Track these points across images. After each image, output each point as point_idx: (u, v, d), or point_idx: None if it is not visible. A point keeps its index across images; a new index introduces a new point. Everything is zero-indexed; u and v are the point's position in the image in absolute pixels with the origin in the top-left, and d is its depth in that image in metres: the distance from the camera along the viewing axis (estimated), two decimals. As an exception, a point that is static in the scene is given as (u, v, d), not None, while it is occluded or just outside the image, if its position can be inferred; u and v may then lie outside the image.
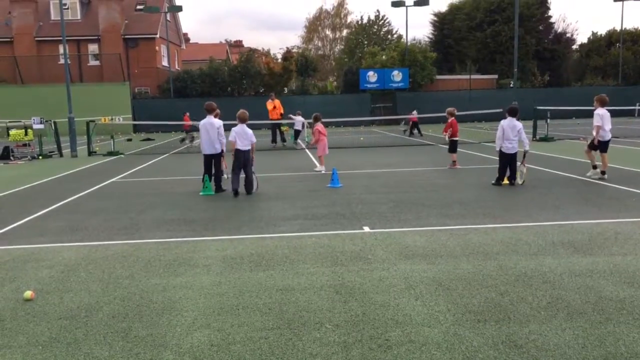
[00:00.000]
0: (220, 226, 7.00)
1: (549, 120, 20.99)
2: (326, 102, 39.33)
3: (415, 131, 24.88)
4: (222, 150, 9.81)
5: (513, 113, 9.79)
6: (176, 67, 48.14)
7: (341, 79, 49.19)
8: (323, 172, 12.46)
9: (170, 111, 36.44)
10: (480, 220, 6.92)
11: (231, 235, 6.50)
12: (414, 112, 25.46)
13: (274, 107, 20.12)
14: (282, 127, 20.18)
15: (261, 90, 44.32)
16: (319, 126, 12.48)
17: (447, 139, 12.69)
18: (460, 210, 7.62)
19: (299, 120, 21.50)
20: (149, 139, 27.85)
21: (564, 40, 49.85)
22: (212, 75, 41.71)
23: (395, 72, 41.46)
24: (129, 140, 27.04)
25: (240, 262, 5.37)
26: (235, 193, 9.33)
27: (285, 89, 43.93)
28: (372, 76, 41.38)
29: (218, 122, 9.71)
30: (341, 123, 35.75)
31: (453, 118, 12.71)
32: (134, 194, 10.06)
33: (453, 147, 12.71)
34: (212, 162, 9.85)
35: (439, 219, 7.04)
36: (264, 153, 18.54)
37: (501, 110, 19.67)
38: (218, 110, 10.05)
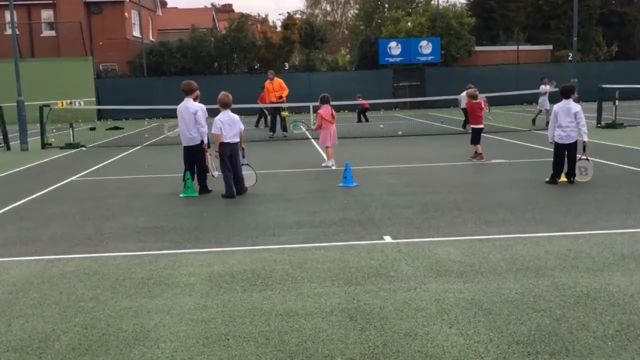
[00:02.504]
0: (206, 236, 7.03)
1: (617, 102, 20.86)
2: (337, 80, 39.45)
3: (364, 119, 27.63)
4: (203, 141, 9.88)
5: (566, 93, 9.74)
6: (150, 38, 48.41)
7: (356, 51, 49.28)
8: (333, 167, 12.48)
9: (144, 93, 36.75)
10: (530, 228, 6.91)
11: (219, 246, 6.53)
12: (359, 97, 28.16)
13: (271, 90, 20.16)
14: (282, 113, 20.20)
15: (256, 67, 44.47)
16: (323, 110, 12.47)
17: (487, 109, 12.95)
18: (505, 215, 7.61)
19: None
20: (117, 128, 28.06)
21: (636, 1, 49.49)
22: (195, 47, 41.95)
23: (424, 43, 41.44)
24: (92, 129, 27.25)
25: (230, 280, 5.39)
26: (231, 196, 9.40)
27: (286, 64, 44.07)
28: (394, 48, 41.40)
29: (194, 106, 9.76)
30: (356, 107, 35.71)
31: (474, 101, 12.80)
32: (98, 196, 10.13)
33: (478, 136, 12.81)
34: (193, 155, 9.92)
35: (478, 226, 7.03)
36: (260, 145, 18.59)
37: (557, 89, 19.63)
38: (198, 92, 10.06)
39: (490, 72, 39.90)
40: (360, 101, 27.42)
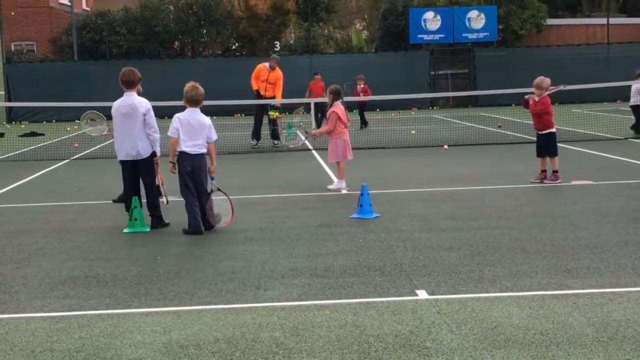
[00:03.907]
0: (161, 289, 7.02)
1: None
2: (349, 65, 39.38)
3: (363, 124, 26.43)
4: (155, 153, 9.93)
5: None
6: (84, 6, 48.75)
7: (376, 25, 49.48)
8: (344, 191, 12.48)
9: (74, 84, 36.83)
10: (627, 280, 6.88)
11: (180, 305, 6.51)
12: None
13: (266, 80, 20.16)
14: (270, 113, 20.19)
15: (233, 47, 44.66)
16: (339, 108, 12.53)
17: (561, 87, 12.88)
18: (591, 260, 7.58)
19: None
20: (34, 134, 28.10)
21: None
22: (147, 20, 42.22)
23: (474, 14, 41.60)
24: (0, 136, 27.32)
25: (196, 354, 5.36)
26: (198, 231, 9.41)
27: (277, 44, 44.21)
28: (431, 21, 41.56)
29: (144, 104, 9.84)
30: (377, 104, 35.81)
31: (544, 93, 12.83)
32: (7, 231, 10.12)
33: (554, 145, 12.81)
34: (136, 174, 9.96)
35: (552, 277, 7.01)
36: (240, 158, 18.60)
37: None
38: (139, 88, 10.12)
39: (568, 56, 39.92)
40: (361, 91, 26.19)
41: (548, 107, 12.87)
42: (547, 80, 12.87)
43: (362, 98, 25.92)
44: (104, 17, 42.36)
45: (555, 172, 12.78)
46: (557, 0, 48.31)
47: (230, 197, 9.86)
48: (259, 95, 20.46)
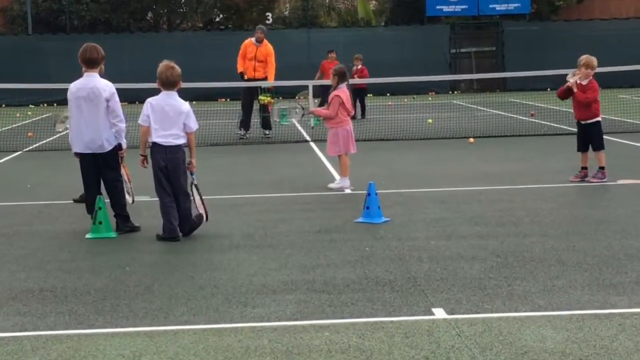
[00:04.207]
0: (130, 305, 7.01)
1: None
2: (355, 42, 39.50)
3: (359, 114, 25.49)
4: (121, 145, 9.94)
5: None
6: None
7: (387, -5, 49.45)
8: (348, 191, 12.51)
9: (27, 62, 36.79)
10: (683, 297, 6.88)
11: (153, 324, 6.51)
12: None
13: (254, 58, 20.16)
14: (261, 98, 20.15)
15: (217, 19, 44.63)
16: (343, 92, 12.53)
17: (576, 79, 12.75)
18: (639, 274, 7.58)
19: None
20: (-19, 122, 28.08)
21: None
22: (114, -15, 42.20)
23: (503, -19, 41.61)
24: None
25: (170, 382, 5.36)
26: (174, 237, 9.42)
27: (269, 15, 44.22)
28: (452, -10, 41.60)
29: (107, 87, 9.83)
30: (387, 87, 35.81)
31: (591, 78, 12.78)
32: (-52, 236, 10.11)
33: (601, 136, 12.77)
34: (98, 170, 9.94)
35: (593, 293, 7.01)
36: (225, 150, 18.58)
37: None
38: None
39: (615, 31, 39.93)
40: (356, 73, 25.78)
41: (597, 93, 12.80)
42: (587, 59, 12.85)
43: (357, 81, 24.87)
44: (64, -18, 42.31)
45: (601, 168, 12.73)
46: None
47: (204, 198, 9.90)
48: (245, 79, 20.44)
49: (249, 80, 20.43)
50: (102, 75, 10.05)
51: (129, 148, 10.29)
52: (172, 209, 9.46)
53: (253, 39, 20.44)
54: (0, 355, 5.90)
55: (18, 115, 29.66)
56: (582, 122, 12.89)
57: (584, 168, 12.84)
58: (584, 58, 12.83)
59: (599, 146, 12.78)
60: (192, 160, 9.73)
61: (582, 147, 12.95)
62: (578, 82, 12.73)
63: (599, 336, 5.98)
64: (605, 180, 12.66)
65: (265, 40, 20.41)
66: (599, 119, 12.89)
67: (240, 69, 20.62)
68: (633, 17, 42.02)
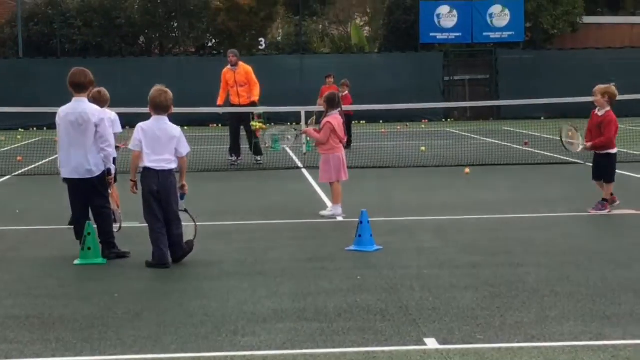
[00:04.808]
0: (119, 333, 6.95)
1: None
2: (349, 68, 39.46)
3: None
4: (109, 170, 9.91)
5: None
6: (32, -7, 48.82)
7: (380, 21, 49.62)
8: (340, 218, 12.47)
9: (18, 85, 36.77)
10: (679, 329, 6.86)
11: (142, 352, 6.45)
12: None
13: (234, 83, 20.22)
14: (253, 124, 20.12)
15: (209, 44, 44.69)
16: (334, 119, 12.54)
17: (585, 146, 12.67)
18: (633, 305, 7.54)
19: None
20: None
21: None
22: (107, 11, 42.28)
23: (497, 9, 41.83)
24: None
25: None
26: (164, 264, 9.38)
27: (262, 41, 44.34)
28: (446, 16, 41.82)
29: (95, 111, 9.83)
30: (380, 114, 35.89)
31: (609, 109, 12.68)
32: None
33: (613, 168, 12.73)
34: (86, 195, 9.90)
35: (587, 325, 6.97)
36: (216, 177, 18.54)
37: None
38: (105, 93, 10.33)
39: (609, 60, 39.99)
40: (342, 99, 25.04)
41: (613, 128, 12.60)
42: (607, 88, 12.73)
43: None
44: (55, 6, 42.35)
45: (605, 200, 12.58)
46: (595, -3, 48.58)
47: (195, 220, 9.91)
48: (234, 105, 20.43)
49: (233, 106, 20.46)
50: (105, 103, 10.10)
51: (119, 173, 10.27)
52: (162, 235, 9.42)
53: (229, 66, 20.41)
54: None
55: (3, 138, 29.59)
56: (596, 152, 12.80)
57: (605, 199, 12.64)
58: (601, 88, 12.74)
59: (608, 179, 12.64)
60: (184, 183, 9.72)
61: (594, 176, 12.84)
62: (595, 112, 12.70)
63: (594, 368, 5.96)
64: (605, 211, 12.51)
65: (240, 62, 20.40)
66: (611, 151, 12.67)
67: (220, 102, 20.66)
68: (628, 47, 42.17)
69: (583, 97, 23.71)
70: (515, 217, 12.58)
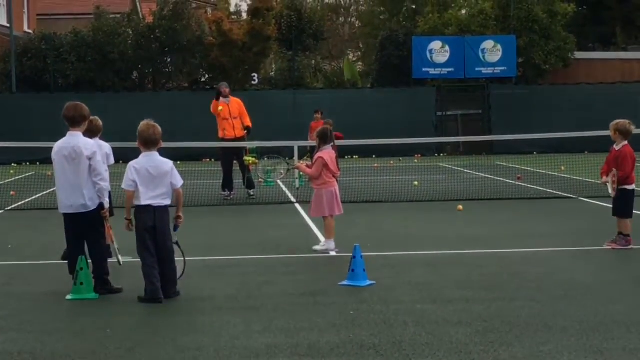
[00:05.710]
0: (110, 369, 6.94)
1: None
2: (341, 103, 39.76)
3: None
4: (103, 204, 9.91)
5: None
6: (25, 28, 48.95)
7: (373, 56, 49.87)
8: (333, 253, 12.47)
9: (11, 120, 36.78)
10: (672, 364, 6.86)
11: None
12: None
13: (229, 115, 20.28)
14: (246, 158, 20.15)
15: (202, 79, 44.79)
16: (326, 154, 12.60)
17: (611, 189, 12.59)
18: (627, 340, 7.56)
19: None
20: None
21: None
22: (100, 45, 42.33)
23: (489, 45, 42.03)
24: None
25: None
26: (156, 299, 9.37)
27: (255, 76, 44.49)
28: (439, 52, 41.99)
29: (89, 145, 9.87)
30: (373, 149, 35.94)
31: (626, 143, 12.72)
32: None
33: (627, 204, 12.69)
34: (82, 230, 9.92)
35: (580, 359, 7.00)
36: (209, 211, 18.54)
37: None
38: (97, 122, 10.38)
39: (601, 96, 40.13)
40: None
41: (629, 163, 12.50)
42: (624, 124, 12.71)
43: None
44: (49, 41, 42.34)
45: (623, 235, 12.48)
46: (588, 31, 48.77)
47: (184, 254, 9.93)
48: (226, 138, 20.39)
49: (228, 139, 20.41)
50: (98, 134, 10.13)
51: (113, 208, 10.28)
52: (155, 270, 9.41)
53: (222, 99, 20.35)
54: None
55: (12, 170, 29.61)
56: (625, 187, 12.61)
57: (620, 233, 12.60)
58: (619, 124, 12.73)
59: (623, 214, 12.58)
60: (180, 214, 9.74)
61: (614, 211, 12.77)
62: (614, 146, 12.68)
63: (587, 403, 5.97)
64: (628, 246, 12.40)
65: (227, 96, 20.43)
66: (628, 187, 12.53)
67: (221, 134, 20.61)
68: (619, 82, 42.28)
69: (575, 132, 24.00)
70: (509, 252, 12.58)
